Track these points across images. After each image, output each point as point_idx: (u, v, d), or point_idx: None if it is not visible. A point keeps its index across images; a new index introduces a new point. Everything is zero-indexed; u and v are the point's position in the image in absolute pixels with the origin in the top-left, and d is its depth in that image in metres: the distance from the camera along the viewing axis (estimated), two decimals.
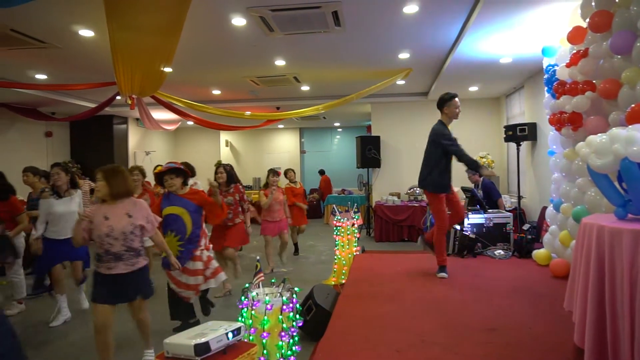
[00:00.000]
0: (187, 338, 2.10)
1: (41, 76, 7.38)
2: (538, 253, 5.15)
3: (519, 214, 7.13)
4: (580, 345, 2.31)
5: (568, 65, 4.18)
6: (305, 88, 8.91)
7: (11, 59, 6.26)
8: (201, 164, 10.19)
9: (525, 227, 6.04)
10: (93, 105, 8.99)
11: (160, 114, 10.13)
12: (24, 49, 5.80)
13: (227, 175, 5.53)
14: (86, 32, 5.23)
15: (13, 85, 7.08)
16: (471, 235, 5.71)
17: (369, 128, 12.55)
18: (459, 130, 9.97)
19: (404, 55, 6.60)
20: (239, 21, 4.99)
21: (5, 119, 9.29)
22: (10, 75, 7.22)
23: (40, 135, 10.43)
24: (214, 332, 2.15)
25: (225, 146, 15.43)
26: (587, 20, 3.59)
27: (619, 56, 3.34)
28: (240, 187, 5.66)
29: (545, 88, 5.05)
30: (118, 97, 6.72)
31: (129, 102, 6.08)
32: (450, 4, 4.67)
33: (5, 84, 6.94)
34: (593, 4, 3.61)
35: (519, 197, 7.37)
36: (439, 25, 5.32)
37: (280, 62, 6.90)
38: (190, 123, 11.42)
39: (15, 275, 5.00)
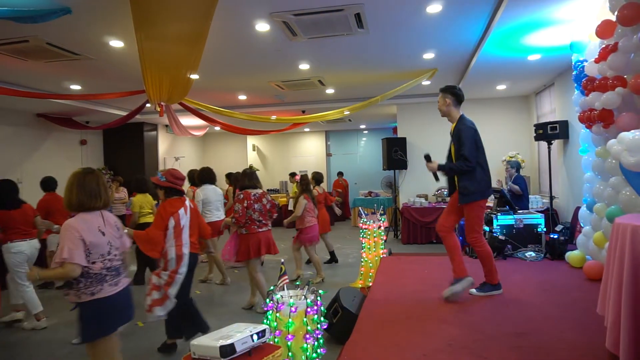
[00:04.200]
0: (213, 339, 2.14)
1: (75, 87, 7.67)
2: (571, 255, 5.00)
3: (551, 215, 6.93)
4: (613, 351, 2.23)
5: (597, 61, 4.05)
6: (330, 91, 8.93)
7: (48, 71, 6.54)
8: (230, 169, 10.36)
9: (558, 228, 5.87)
10: (124, 114, 9.29)
11: (188, 120, 10.36)
12: (60, 61, 6.05)
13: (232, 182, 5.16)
14: (116, 43, 5.41)
15: (50, 96, 7.39)
16: (500, 237, 5.60)
17: (395, 130, 12.46)
18: (488, 129, 9.90)
19: (428, 55, 6.54)
20: (262, 27, 5.05)
21: (42, 128, 9.71)
22: (47, 86, 7.53)
23: (75, 143, 10.84)
24: (240, 333, 2.19)
25: (253, 150, 15.62)
26: (616, 13, 3.47)
27: None
28: (243, 193, 4.83)
29: (575, 85, 4.91)
30: (148, 105, 6.91)
31: (158, 109, 6.26)
32: (474, 2, 4.60)
33: (43, 95, 7.25)
34: None
35: (551, 197, 7.16)
36: (463, 23, 5.25)
37: (304, 66, 6.94)
38: (217, 128, 11.64)
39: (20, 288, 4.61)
